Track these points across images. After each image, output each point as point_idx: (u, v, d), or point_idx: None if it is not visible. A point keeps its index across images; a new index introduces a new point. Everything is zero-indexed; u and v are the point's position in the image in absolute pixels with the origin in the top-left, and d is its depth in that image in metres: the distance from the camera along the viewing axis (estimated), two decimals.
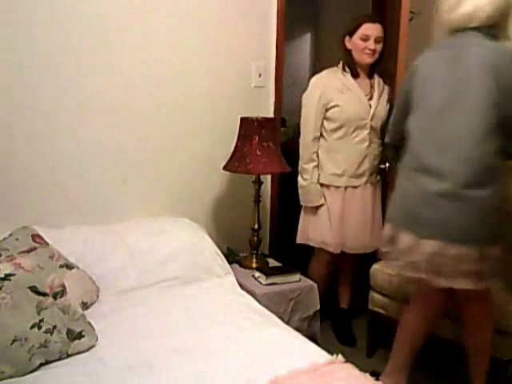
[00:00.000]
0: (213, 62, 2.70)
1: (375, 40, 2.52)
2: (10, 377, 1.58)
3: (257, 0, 2.76)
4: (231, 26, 2.71)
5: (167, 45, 2.57)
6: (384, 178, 2.78)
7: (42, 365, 1.64)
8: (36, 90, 2.31)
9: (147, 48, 2.52)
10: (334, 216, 2.65)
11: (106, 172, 2.52)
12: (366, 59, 2.56)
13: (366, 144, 2.61)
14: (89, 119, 2.44)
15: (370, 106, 2.60)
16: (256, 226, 2.70)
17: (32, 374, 1.61)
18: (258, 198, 2.68)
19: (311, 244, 2.76)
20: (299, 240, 2.78)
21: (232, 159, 2.60)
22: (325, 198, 2.66)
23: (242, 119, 2.62)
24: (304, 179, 2.65)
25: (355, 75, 2.61)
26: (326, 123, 2.61)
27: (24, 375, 1.60)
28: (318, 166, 2.64)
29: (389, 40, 3.18)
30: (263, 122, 2.58)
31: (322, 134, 2.63)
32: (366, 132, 2.60)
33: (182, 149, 2.70)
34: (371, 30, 2.52)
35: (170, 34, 2.57)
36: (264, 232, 2.94)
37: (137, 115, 2.55)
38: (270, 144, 2.56)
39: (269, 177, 2.96)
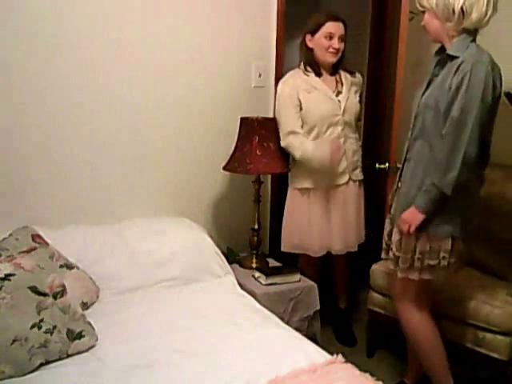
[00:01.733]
0: (213, 62, 2.70)
1: (339, 38, 2.50)
2: (10, 377, 1.58)
3: (257, 0, 2.76)
4: (231, 26, 2.71)
5: (167, 45, 2.57)
6: (383, 178, 2.77)
7: (42, 365, 1.65)
8: (37, 91, 2.30)
9: (147, 48, 2.52)
10: (317, 220, 2.62)
11: (106, 172, 2.52)
12: (330, 58, 2.54)
13: (342, 140, 2.57)
14: (89, 120, 2.44)
15: (339, 101, 2.57)
16: (256, 226, 2.70)
17: (32, 374, 1.61)
18: (258, 198, 2.68)
19: (297, 252, 2.72)
20: (285, 248, 2.73)
21: (232, 159, 2.60)
22: (306, 202, 2.63)
23: (242, 119, 2.62)
24: (302, 153, 2.51)
25: (318, 74, 2.58)
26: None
27: (24, 375, 1.60)
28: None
29: (389, 40, 3.19)
30: (263, 121, 2.58)
31: None
32: (339, 128, 2.56)
33: (182, 149, 2.70)
34: (335, 28, 2.50)
35: (169, 33, 2.56)
36: (264, 232, 2.94)
37: (137, 115, 2.55)
38: (269, 144, 2.56)
39: (269, 177, 2.96)
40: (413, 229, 1.94)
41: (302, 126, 2.55)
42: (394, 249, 2.05)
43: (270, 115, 2.88)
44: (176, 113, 2.65)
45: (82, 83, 2.39)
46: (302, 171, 2.61)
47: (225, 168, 2.62)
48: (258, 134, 2.53)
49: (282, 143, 2.57)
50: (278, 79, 2.88)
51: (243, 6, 2.73)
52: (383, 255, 2.20)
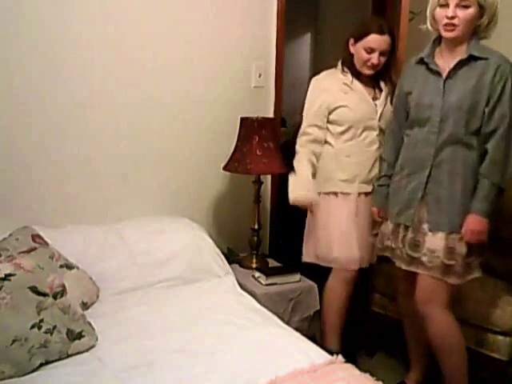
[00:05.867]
0: (213, 62, 2.70)
1: (380, 53, 2.33)
2: (10, 377, 1.57)
3: (257, 0, 2.76)
4: (231, 26, 2.71)
5: (167, 45, 2.57)
6: None
7: (42, 365, 1.64)
8: (37, 91, 2.30)
9: (147, 48, 2.52)
10: (347, 227, 2.39)
11: (106, 172, 2.52)
12: (366, 71, 2.38)
13: (376, 146, 2.40)
14: (88, 120, 2.43)
15: (376, 105, 2.42)
16: (256, 226, 2.70)
17: (32, 374, 1.61)
18: (258, 198, 2.68)
19: (321, 263, 2.46)
20: (307, 258, 2.50)
21: (232, 159, 2.60)
22: (331, 207, 2.42)
23: (242, 119, 2.62)
24: (296, 170, 2.41)
25: (357, 75, 2.42)
26: (331, 127, 2.41)
27: (24, 375, 1.60)
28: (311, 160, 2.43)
29: None
30: (263, 121, 2.58)
31: (327, 140, 2.43)
32: (374, 133, 2.41)
33: (182, 149, 2.70)
34: (378, 42, 2.31)
35: (169, 33, 2.57)
36: (264, 232, 2.93)
37: (136, 115, 2.55)
38: (269, 144, 2.56)
39: (269, 177, 2.96)
40: (485, 236, 1.95)
41: (321, 128, 2.42)
42: (443, 258, 1.98)
43: (270, 115, 2.88)
44: (176, 113, 2.65)
45: (81, 84, 2.39)
46: (326, 175, 2.44)
47: (225, 168, 2.62)
48: (258, 134, 2.54)
49: (298, 136, 2.46)
50: (278, 79, 2.88)
51: (243, 6, 2.73)
52: (405, 267, 2.10)
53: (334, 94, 2.39)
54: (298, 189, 2.42)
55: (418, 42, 2.48)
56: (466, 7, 1.88)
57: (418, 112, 2.05)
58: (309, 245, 2.51)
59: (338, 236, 2.40)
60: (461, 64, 1.96)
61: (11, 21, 2.21)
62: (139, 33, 2.49)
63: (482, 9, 1.90)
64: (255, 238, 2.71)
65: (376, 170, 2.41)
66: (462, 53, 1.96)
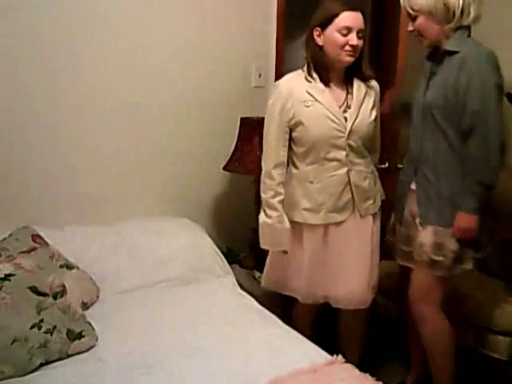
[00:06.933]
0: (213, 63, 2.70)
1: (357, 33, 1.96)
2: (10, 377, 1.58)
3: (257, 0, 2.77)
4: (231, 26, 2.71)
5: (167, 46, 2.57)
6: (384, 178, 2.74)
7: (42, 365, 1.65)
8: (35, 92, 2.30)
9: (148, 47, 2.52)
10: (311, 260, 2.11)
11: (106, 172, 2.52)
12: (345, 58, 1.98)
13: (346, 169, 2.04)
14: (89, 120, 2.44)
15: (346, 119, 2.03)
16: (256, 226, 2.69)
17: (32, 374, 1.61)
18: (258, 198, 2.68)
19: (278, 291, 2.26)
20: (265, 284, 2.29)
21: (232, 159, 2.60)
22: (298, 237, 2.13)
23: (242, 119, 2.62)
24: (268, 216, 2.11)
25: (325, 82, 2.04)
26: (294, 147, 2.09)
27: (24, 375, 1.60)
28: (283, 201, 2.10)
29: (389, 40, 3.19)
30: (263, 122, 2.57)
31: (293, 161, 2.12)
32: (343, 153, 2.02)
33: (182, 149, 2.70)
34: (353, 20, 1.94)
35: (170, 34, 2.57)
36: None
37: (137, 115, 2.55)
38: None
39: None
40: (475, 233, 1.93)
41: (285, 147, 2.08)
42: (431, 253, 1.98)
43: None
44: (176, 113, 2.65)
45: (82, 86, 2.40)
46: (292, 201, 2.14)
47: (225, 168, 2.62)
48: (258, 134, 2.53)
49: (264, 175, 2.12)
50: (278, 79, 2.88)
51: (243, 6, 2.73)
52: (400, 261, 2.12)
53: (294, 106, 2.03)
54: (277, 242, 2.15)
55: (418, 42, 2.48)
56: (414, 19, 1.95)
57: (412, 109, 2.07)
58: (269, 270, 2.26)
59: (300, 269, 2.14)
60: (438, 60, 1.96)
61: (10, 23, 2.21)
62: (139, 33, 2.49)
63: (432, 14, 1.88)
64: (255, 238, 2.70)
65: (348, 196, 2.08)
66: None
